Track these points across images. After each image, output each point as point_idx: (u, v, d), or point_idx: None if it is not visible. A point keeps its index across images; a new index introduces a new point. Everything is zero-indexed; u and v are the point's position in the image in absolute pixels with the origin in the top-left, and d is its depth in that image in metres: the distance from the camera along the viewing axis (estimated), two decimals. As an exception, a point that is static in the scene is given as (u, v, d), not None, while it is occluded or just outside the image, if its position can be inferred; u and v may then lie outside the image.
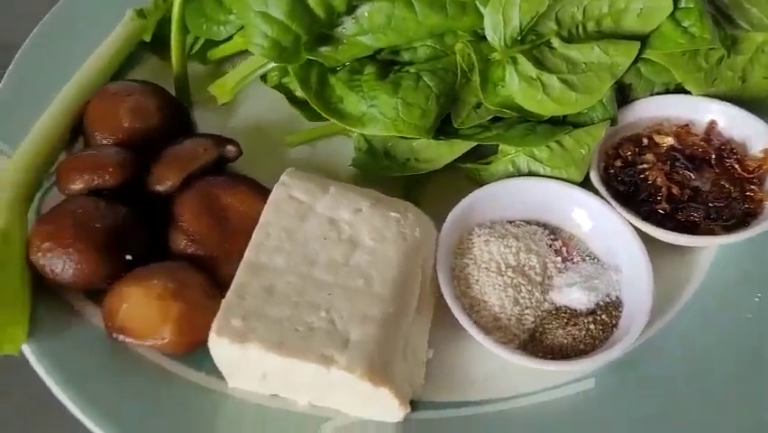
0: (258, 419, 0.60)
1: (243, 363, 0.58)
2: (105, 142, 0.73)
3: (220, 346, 0.57)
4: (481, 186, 0.72)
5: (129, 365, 0.62)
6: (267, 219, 0.63)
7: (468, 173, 0.76)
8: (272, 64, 0.76)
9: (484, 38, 0.72)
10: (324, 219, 0.63)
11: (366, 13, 0.72)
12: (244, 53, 0.83)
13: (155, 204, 0.69)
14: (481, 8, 0.72)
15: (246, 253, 0.61)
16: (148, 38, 0.83)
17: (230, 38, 0.82)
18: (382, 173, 0.75)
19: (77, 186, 0.67)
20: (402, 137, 0.73)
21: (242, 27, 0.77)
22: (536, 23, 0.72)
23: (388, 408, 0.58)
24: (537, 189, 0.72)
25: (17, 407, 0.69)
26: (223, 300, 0.58)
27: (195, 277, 0.63)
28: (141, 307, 0.61)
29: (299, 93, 0.80)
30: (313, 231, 0.62)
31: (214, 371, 0.61)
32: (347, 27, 0.72)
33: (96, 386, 0.60)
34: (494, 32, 0.71)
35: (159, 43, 0.85)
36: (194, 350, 0.61)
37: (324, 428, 0.59)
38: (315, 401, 0.61)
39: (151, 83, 0.78)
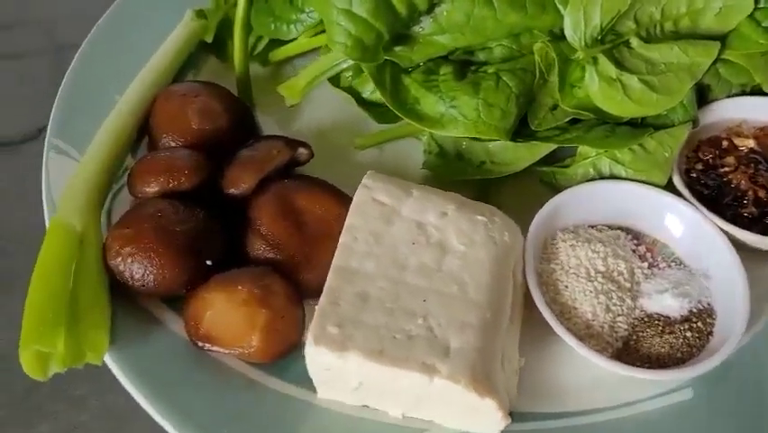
0: (348, 430, 0.58)
1: (338, 373, 0.55)
2: (172, 143, 0.71)
3: (317, 355, 0.54)
4: (557, 190, 0.70)
5: (213, 374, 0.59)
6: (353, 223, 0.61)
7: (543, 177, 0.74)
8: (344, 65, 0.74)
9: (561, 37, 0.70)
10: (410, 223, 0.61)
11: (445, 12, 0.70)
12: (305, 55, 0.81)
13: (228, 207, 0.67)
14: (561, 7, 0.69)
15: (335, 258, 0.58)
16: (209, 39, 0.81)
17: (293, 39, 0.79)
18: (456, 176, 0.72)
19: (152, 188, 0.65)
20: (477, 139, 0.71)
21: (311, 27, 0.74)
22: (616, 22, 0.69)
23: (489, 419, 0.55)
24: (621, 193, 0.69)
25: (94, 415, 0.66)
26: (317, 307, 0.55)
27: (278, 282, 0.61)
28: (227, 314, 0.58)
29: (367, 95, 0.77)
30: (400, 235, 0.60)
31: (300, 380, 0.59)
32: (425, 26, 0.70)
33: (182, 396, 0.57)
34: (574, 31, 0.69)
35: (217, 44, 0.83)
36: (280, 358, 0.59)
37: (419, 441, 0.57)
38: (408, 412, 0.58)
39: (217, 84, 0.75)
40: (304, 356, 0.56)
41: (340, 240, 0.59)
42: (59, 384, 0.61)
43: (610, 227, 0.70)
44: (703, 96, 0.75)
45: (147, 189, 0.65)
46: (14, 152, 0.81)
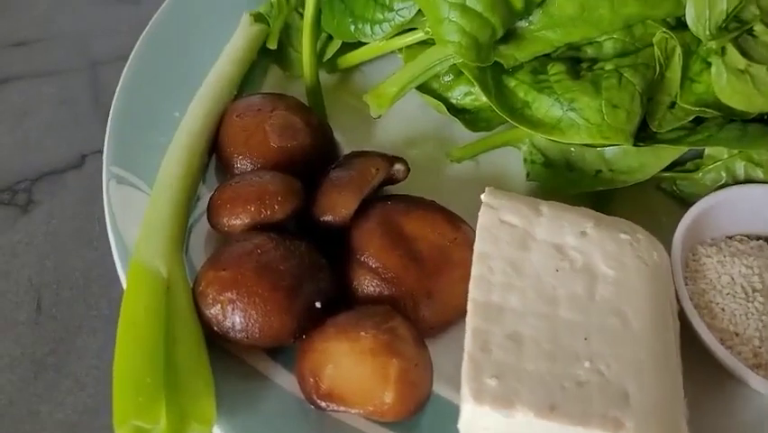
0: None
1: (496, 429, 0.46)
2: (249, 166, 0.62)
3: (479, 416, 0.45)
4: (678, 198, 0.64)
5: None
6: (484, 250, 0.52)
7: (663, 185, 0.66)
8: (438, 68, 0.65)
9: (677, 27, 0.62)
10: (548, 246, 0.52)
11: (557, 3, 0.61)
12: (374, 61, 0.73)
13: (321, 237, 0.57)
14: (682, -6, 0.61)
15: (471, 292, 0.50)
16: (273, 45, 0.72)
17: (361, 43, 0.70)
18: (568, 189, 0.64)
19: (241, 220, 0.55)
20: (589, 145, 0.63)
21: (398, 27, 0.65)
22: (741, 9, 0.62)
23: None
24: (762, 198, 0.61)
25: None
26: (465, 355, 0.46)
27: (403, 324, 0.52)
28: (353, 367, 0.49)
29: (456, 100, 0.69)
30: (541, 261, 0.52)
31: (438, 436, 0.50)
32: (534, 20, 0.62)
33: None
34: (697, 19, 0.61)
35: (278, 51, 0.74)
36: (415, 415, 0.50)
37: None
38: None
39: (292, 96, 0.66)
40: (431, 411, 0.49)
41: (473, 271, 0.51)
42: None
43: (749, 237, 0.61)
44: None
45: (234, 222, 0.56)
46: (58, 182, 0.71)
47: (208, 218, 0.58)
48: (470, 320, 0.48)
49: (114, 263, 0.57)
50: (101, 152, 0.69)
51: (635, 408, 0.45)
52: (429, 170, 0.68)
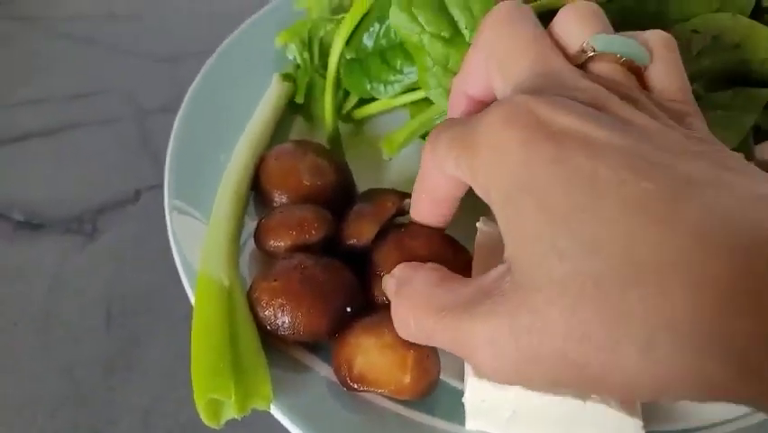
0: (495, 459, 0.61)
1: (494, 404, 0.58)
2: (285, 199, 0.74)
3: (479, 390, 0.57)
4: None
5: (366, 412, 0.61)
6: (478, 264, 0.64)
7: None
8: (438, 121, 0.78)
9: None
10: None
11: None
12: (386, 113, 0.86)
13: (347, 258, 0.70)
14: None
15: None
16: (300, 100, 0.84)
17: (373, 99, 0.83)
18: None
19: (284, 243, 0.67)
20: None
21: (407, 87, 0.78)
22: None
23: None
24: None
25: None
26: (469, 344, 0.59)
27: (416, 324, 0.64)
28: (378, 357, 0.61)
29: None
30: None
31: (445, 414, 0.62)
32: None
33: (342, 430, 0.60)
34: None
35: (300, 105, 0.87)
36: (425, 395, 0.62)
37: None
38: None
39: (319, 143, 0.79)
40: (444, 393, 0.61)
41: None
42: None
43: None
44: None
45: (279, 244, 0.68)
46: (118, 213, 0.83)
47: (255, 241, 0.70)
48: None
49: (169, 281, 0.69)
50: (153, 187, 0.82)
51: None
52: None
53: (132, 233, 0.82)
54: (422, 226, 0.73)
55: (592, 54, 0.44)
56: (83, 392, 0.69)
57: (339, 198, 0.75)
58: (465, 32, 0.69)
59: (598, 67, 0.45)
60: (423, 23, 0.69)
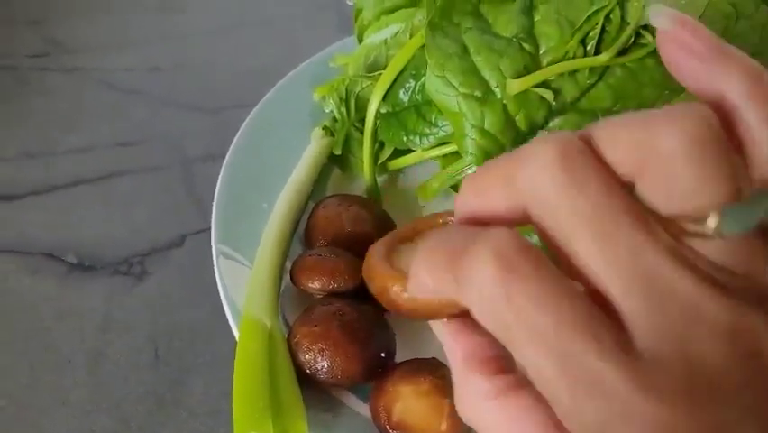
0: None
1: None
2: (326, 243, 0.77)
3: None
4: None
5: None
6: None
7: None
8: (471, 170, 0.81)
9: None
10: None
11: (558, 126, 0.77)
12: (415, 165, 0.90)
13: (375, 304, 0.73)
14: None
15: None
16: (338, 151, 0.88)
17: (409, 151, 0.87)
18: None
19: (314, 286, 0.71)
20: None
21: (441, 140, 0.82)
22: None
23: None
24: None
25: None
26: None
27: (449, 371, 0.66)
28: (415, 404, 0.63)
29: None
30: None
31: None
32: (541, 138, 0.78)
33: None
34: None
35: (339, 156, 0.91)
36: (459, 440, 0.64)
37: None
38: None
39: (360, 196, 0.83)
40: None
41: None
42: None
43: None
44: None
45: (311, 285, 0.71)
46: (165, 256, 0.87)
47: (291, 276, 0.73)
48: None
49: (213, 320, 0.73)
50: (197, 232, 0.86)
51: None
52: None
53: (177, 275, 0.85)
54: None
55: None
56: (132, 429, 0.72)
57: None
58: (496, 91, 0.73)
59: (718, 248, 0.27)
60: (456, 85, 0.73)
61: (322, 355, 0.65)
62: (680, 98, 0.77)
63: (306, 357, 0.66)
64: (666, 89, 0.77)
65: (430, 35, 0.75)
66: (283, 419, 0.62)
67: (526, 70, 0.75)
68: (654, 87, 0.77)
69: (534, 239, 0.33)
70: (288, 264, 0.76)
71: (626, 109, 0.76)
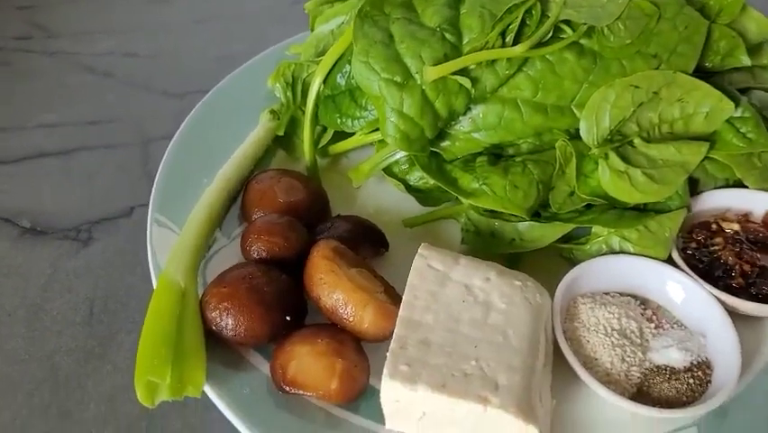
0: (410, 457, 0.66)
1: (406, 404, 0.63)
2: (261, 215, 0.81)
3: (391, 388, 0.62)
4: (575, 263, 0.79)
5: (297, 409, 0.67)
6: (413, 283, 0.70)
7: (563, 252, 0.83)
8: (398, 156, 0.85)
9: (577, 136, 0.80)
10: (460, 285, 0.70)
11: (480, 114, 0.80)
12: (359, 149, 0.93)
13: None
14: (577, 112, 0.81)
15: (400, 311, 0.67)
16: (281, 132, 0.92)
17: (353, 133, 0.91)
18: (490, 251, 0.81)
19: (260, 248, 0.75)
20: (507, 220, 0.81)
21: (370, 123, 0.85)
22: (622, 125, 0.80)
23: (531, 446, 0.63)
24: (629, 265, 0.79)
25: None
26: (389, 350, 0.64)
27: (349, 337, 0.69)
28: (311, 363, 0.67)
29: (414, 182, 0.88)
30: (453, 294, 0.69)
31: (370, 415, 0.67)
32: (464, 125, 0.81)
33: (273, 423, 0.66)
34: (588, 132, 0.79)
35: (284, 139, 0.95)
36: (353, 400, 0.68)
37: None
38: (463, 441, 0.66)
39: (294, 170, 0.86)
40: (372, 397, 0.65)
41: (404, 297, 0.69)
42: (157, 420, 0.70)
43: (621, 294, 0.79)
44: (694, 186, 0.85)
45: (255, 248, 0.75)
46: (112, 225, 0.91)
47: (241, 244, 0.77)
48: (397, 329, 0.66)
49: (149, 285, 0.76)
50: (145, 205, 0.90)
51: (502, 393, 0.62)
52: (392, 232, 0.87)
53: (122, 242, 0.89)
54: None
55: None
56: (59, 378, 0.76)
57: (312, 214, 0.82)
58: (416, 77, 0.77)
59: None
60: (378, 71, 0.77)
61: (227, 314, 0.68)
62: (598, 92, 0.80)
63: (212, 315, 0.69)
64: (585, 83, 0.81)
65: (359, 23, 0.79)
66: (182, 368, 0.65)
67: (447, 59, 0.78)
68: (574, 81, 0.80)
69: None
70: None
71: (548, 100, 0.81)
